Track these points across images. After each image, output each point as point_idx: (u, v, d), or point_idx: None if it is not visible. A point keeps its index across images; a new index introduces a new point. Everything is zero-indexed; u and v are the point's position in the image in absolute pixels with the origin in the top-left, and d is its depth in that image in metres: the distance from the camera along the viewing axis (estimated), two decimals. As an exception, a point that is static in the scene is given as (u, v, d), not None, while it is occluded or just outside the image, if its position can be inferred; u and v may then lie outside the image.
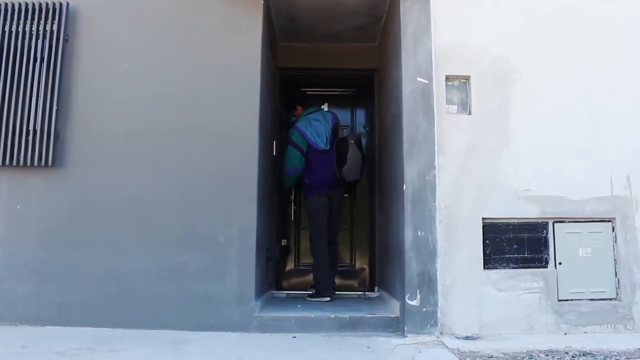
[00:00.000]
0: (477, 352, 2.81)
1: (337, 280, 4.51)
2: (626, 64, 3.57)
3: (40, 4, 3.55)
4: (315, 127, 4.24)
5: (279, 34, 4.70)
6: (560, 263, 3.40)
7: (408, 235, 3.26)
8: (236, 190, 3.42)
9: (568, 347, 2.88)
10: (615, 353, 2.79)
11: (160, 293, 3.31)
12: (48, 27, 3.54)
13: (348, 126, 5.09)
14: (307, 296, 4.22)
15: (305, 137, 4.22)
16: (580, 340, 3.04)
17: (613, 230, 3.44)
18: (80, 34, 3.60)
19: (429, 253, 3.24)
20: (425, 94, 3.39)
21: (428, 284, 3.21)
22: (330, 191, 4.26)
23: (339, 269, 4.63)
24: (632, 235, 3.41)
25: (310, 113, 4.37)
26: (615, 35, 3.59)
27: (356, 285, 4.83)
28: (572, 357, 2.72)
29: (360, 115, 5.18)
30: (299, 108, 4.54)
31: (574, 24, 3.60)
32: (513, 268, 3.37)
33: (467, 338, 3.12)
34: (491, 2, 3.61)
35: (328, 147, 4.21)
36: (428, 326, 3.17)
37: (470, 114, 3.48)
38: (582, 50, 3.57)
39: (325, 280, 4.13)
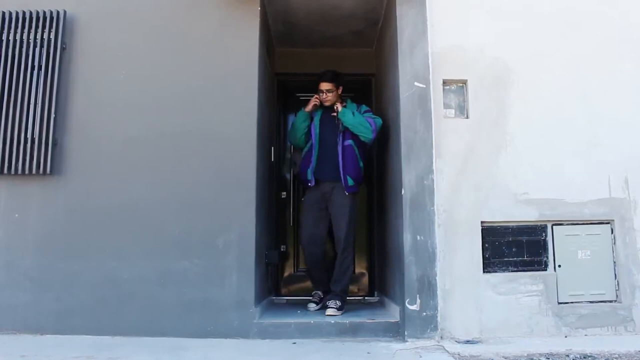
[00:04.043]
0: (478, 356, 2.80)
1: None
2: (624, 65, 3.57)
3: (37, 13, 3.56)
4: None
5: (275, 39, 4.71)
6: (559, 266, 3.39)
7: (407, 239, 3.25)
8: (235, 194, 3.41)
9: (569, 350, 2.88)
10: (616, 355, 2.79)
11: (160, 299, 3.30)
12: (45, 36, 3.55)
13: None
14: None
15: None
16: (581, 343, 3.04)
17: (612, 232, 3.44)
18: (78, 41, 3.61)
19: (428, 257, 3.24)
20: (423, 98, 3.40)
21: (428, 288, 3.20)
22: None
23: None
24: (631, 237, 3.41)
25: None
26: (613, 37, 3.59)
27: (356, 290, 4.82)
28: (573, 359, 2.72)
29: (358, 119, 5.16)
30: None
31: (572, 26, 3.60)
32: (512, 271, 3.37)
33: (468, 342, 3.11)
34: (489, 4, 3.61)
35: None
36: (428, 330, 3.16)
37: (467, 117, 3.48)
38: (580, 52, 3.57)
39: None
